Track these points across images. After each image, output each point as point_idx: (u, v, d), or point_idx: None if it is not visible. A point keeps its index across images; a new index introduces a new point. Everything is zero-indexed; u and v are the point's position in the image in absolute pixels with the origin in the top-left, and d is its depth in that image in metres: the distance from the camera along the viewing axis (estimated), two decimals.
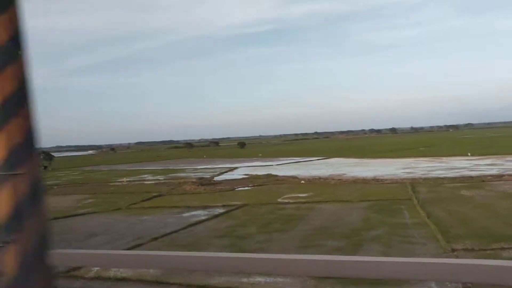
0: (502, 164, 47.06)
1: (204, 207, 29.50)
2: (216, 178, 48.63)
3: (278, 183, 40.92)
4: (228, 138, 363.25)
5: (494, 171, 41.03)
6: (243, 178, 46.53)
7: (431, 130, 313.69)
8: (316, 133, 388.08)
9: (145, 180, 51.28)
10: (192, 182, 43.97)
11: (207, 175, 52.20)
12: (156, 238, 21.07)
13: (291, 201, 30.23)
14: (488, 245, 16.78)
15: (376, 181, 38.19)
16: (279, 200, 31.01)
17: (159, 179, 51.24)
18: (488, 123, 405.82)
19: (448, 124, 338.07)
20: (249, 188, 38.97)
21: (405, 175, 41.24)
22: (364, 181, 38.43)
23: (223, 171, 58.39)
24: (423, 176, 39.52)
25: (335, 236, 19.65)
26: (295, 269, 1.60)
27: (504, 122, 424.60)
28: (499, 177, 36.00)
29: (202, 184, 42.00)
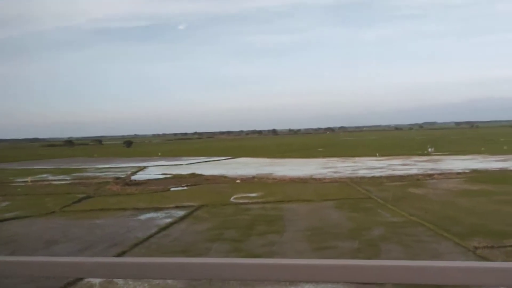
0: (414, 164, 49.89)
1: (156, 209, 26.71)
2: (133, 178, 45.05)
3: (212, 182, 38.93)
4: (91, 136, 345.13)
5: (414, 170, 43.11)
6: (167, 178, 43.64)
7: (309, 132, 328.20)
8: (196, 133, 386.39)
9: (50, 181, 45.86)
10: (115, 182, 40.08)
11: (120, 175, 48.34)
12: (137, 244, 18.25)
13: (248, 201, 28.55)
14: (501, 241, 16.78)
15: (315, 180, 37.83)
16: (233, 200, 29.22)
17: (66, 179, 46.21)
18: (358, 127, 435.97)
19: (325, 126, 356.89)
20: (185, 188, 36.45)
21: (336, 175, 41.64)
22: (303, 180, 37.93)
23: (134, 170, 54.58)
24: (354, 175, 40.19)
25: (340, 237, 18.54)
26: (323, 275, 1.46)
27: (371, 126, 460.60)
28: (430, 176, 37.74)
29: (127, 184, 38.48)
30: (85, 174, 51.91)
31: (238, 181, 39.14)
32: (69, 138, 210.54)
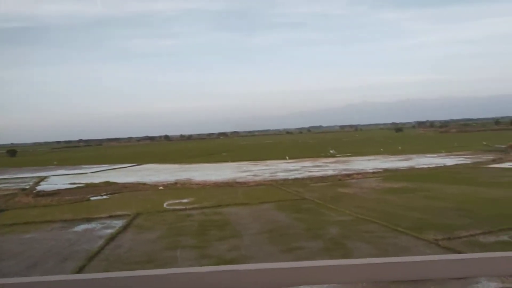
0: (326, 165, 51.85)
1: (88, 220, 24.87)
2: (40, 188, 41.68)
3: (132, 190, 37.20)
4: None
5: (330, 171, 44.77)
6: (80, 187, 40.90)
7: (202, 137, 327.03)
8: (81, 140, 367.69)
9: None
10: (24, 194, 36.77)
11: (23, 186, 44.58)
12: (92, 257, 16.80)
13: (184, 207, 27.63)
14: (453, 233, 17.87)
15: (240, 184, 37.73)
16: (167, 207, 28.13)
17: None
18: (249, 131, 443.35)
19: (216, 131, 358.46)
20: (106, 197, 34.42)
21: (257, 178, 41.92)
22: (228, 184, 37.64)
23: (35, 180, 50.54)
24: (275, 178, 40.75)
25: (301, 237, 18.59)
26: (316, 277, 1.56)
27: (261, 131, 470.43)
28: (349, 176, 39.38)
29: (40, 196, 35.49)
30: None
31: (160, 187, 37.83)
32: None
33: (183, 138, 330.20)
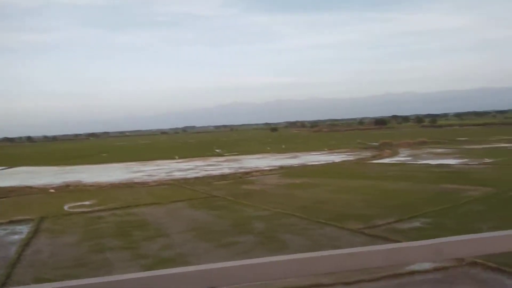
0: (219, 164, 52.30)
1: None
2: None
3: (20, 194, 34.24)
4: None
5: (225, 170, 45.21)
6: None
7: (69, 138, 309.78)
8: None
9: None
10: None
11: None
12: (14, 264, 15.32)
13: (90, 209, 26.17)
14: (371, 222, 19.26)
15: (139, 184, 36.68)
16: (71, 210, 26.46)
17: None
18: (121, 132, 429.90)
19: (84, 132, 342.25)
20: None
21: (154, 177, 41.03)
22: (127, 185, 36.33)
23: None
24: (173, 177, 40.25)
25: (231, 233, 18.71)
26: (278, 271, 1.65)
27: (133, 131, 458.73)
28: (248, 173, 40.19)
29: None
30: None
31: (51, 190, 35.35)
32: None
33: (48, 139, 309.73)
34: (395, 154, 52.06)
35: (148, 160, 63.95)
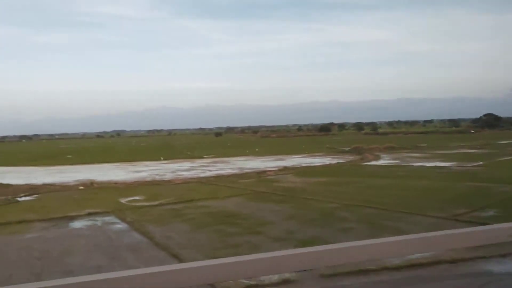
0: (214, 165, 53.64)
1: (71, 218, 23.08)
2: None
3: (52, 190, 34.18)
4: None
5: (229, 170, 46.87)
6: None
7: None
8: None
9: None
10: None
11: None
12: (166, 248, 16.57)
13: (152, 203, 27.06)
14: (449, 212, 22.02)
15: (167, 182, 37.56)
16: (130, 204, 27.23)
17: None
18: (50, 134, 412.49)
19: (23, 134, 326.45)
20: (33, 197, 31.28)
21: (166, 176, 41.97)
22: (154, 183, 37.13)
23: None
24: (188, 176, 41.42)
25: (332, 221, 20.74)
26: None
27: (60, 134, 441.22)
28: (261, 173, 42.10)
29: None
30: None
31: (81, 187, 35.54)
32: None
33: None
34: (377, 158, 55.73)
35: (132, 161, 63.88)
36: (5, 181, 41.20)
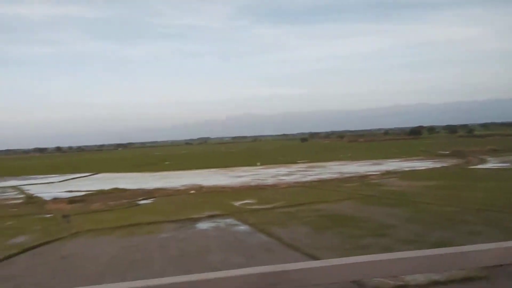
0: (312, 170, 53.96)
1: (194, 220, 24.37)
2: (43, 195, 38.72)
3: (164, 195, 36.13)
4: None
5: (328, 175, 46.95)
6: (95, 194, 38.65)
7: (99, 149, 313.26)
8: None
9: None
10: (53, 201, 34.21)
11: (14, 195, 41.13)
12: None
13: (265, 206, 27.85)
14: None
15: (271, 186, 38.39)
16: (244, 207, 28.17)
17: None
18: (142, 143, 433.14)
19: (106, 143, 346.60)
20: (150, 201, 33.33)
21: (269, 181, 42.83)
22: (259, 188, 38.07)
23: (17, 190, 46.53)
24: (288, 181, 42.03)
25: (473, 223, 20.32)
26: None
27: (150, 142, 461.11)
28: (363, 177, 41.85)
29: (71, 202, 33.28)
30: None
31: (192, 191, 37.28)
32: None
33: (73, 149, 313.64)
34: (483, 161, 53.20)
35: (228, 167, 65.75)
36: (117, 186, 44.15)
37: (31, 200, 36.54)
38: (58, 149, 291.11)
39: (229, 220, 23.97)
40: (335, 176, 44.86)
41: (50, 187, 47.89)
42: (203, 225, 23.15)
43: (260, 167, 62.44)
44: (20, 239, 21.46)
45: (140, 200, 33.76)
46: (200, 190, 37.70)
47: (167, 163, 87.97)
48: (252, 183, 41.23)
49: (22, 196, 40.36)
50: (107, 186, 43.89)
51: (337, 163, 63.10)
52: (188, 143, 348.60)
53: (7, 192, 44.63)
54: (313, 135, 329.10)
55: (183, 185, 42.20)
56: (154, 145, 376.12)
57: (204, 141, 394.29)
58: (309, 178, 43.59)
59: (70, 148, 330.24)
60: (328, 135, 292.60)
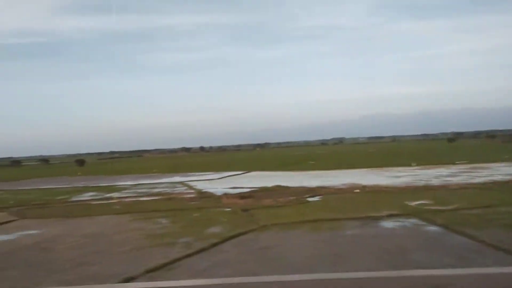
0: (475, 171, 50.45)
1: (373, 218, 23.80)
2: (212, 191, 40.99)
3: (330, 193, 36.14)
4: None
5: (499, 176, 43.35)
6: (257, 191, 40.00)
7: (239, 149, 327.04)
8: (113, 152, 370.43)
9: (135, 197, 40.41)
10: (225, 196, 36.23)
11: (182, 190, 44.21)
12: None
13: (444, 208, 26.46)
14: None
15: (440, 187, 36.51)
16: (418, 207, 27.02)
17: (142, 195, 41.08)
18: (279, 143, 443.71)
19: (243, 143, 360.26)
20: (317, 198, 33.63)
21: (432, 182, 40.80)
22: (426, 188, 36.41)
23: (185, 186, 50.20)
24: (460, 182, 39.56)
25: None
26: None
27: (284, 142, 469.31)
28: None
29: (242, 198, 34.80)
30: (149, 190, 46.30)
31: (357, 190, 36.85)
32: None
33: (220, 149, 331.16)
34: None
35: (379, 167, 64.23)
36: (274, 184, 45.22)
37: (203, 194, 38.88)
38: (202, 148, 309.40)
39: (414, 220, 23.13)
40: (509, 177, 41.34)
41: (213, 183, 50.70)
42: (387, 224, 22.64)
43: (416, 167, 59.92)
44: (214, 229, 22.83)
45: (307, 197, 34.09)
46: (364, 189, 37.07)
47: (312, 162, 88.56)
48: (417, 184, 39.54)
49: (192, 191, 43.18)
50: (265, 184, 45.23)
51: (501, 164, 58.21)
52: (324, 143, 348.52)
53: (178, 187, 48.13)
54: (457, 135, 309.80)
55: (343, 184, 41.96)
56: (289, 145, 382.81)
57: (339, 141, 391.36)
58: (479, 180, 40.65)
59: (211, 147, 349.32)
60: (475, 134, 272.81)
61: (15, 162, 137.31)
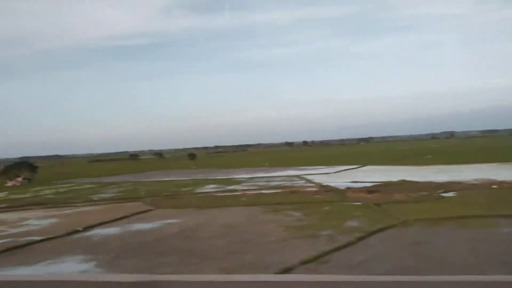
0: None
1: None
2: (333, 185, 40.28)
3: (464, 189, 33.89)
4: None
5: None
6: (379, 185, 38.66)
7: (343, 143, 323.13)
8: (218, 146, 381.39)
9: (256, 190, 41.19)
10: (352, 190, 35.53)
11: (300, 183, 43.99)
12: None
13: None
14: None
15: None
16: None
17: (262, 189, 41.59)
18: (383, 137, 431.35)
19: (348, 137, 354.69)
20: (453, 194, 31.68)
21: None
22: None
23: (300, 179, 50.11)
24: None
25: None
26: None
27: (395, 136, 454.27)
28: None
29: (370, 192, 33.76)
30: (267, 183, 46.92)
31: (494, 186, 34.24)
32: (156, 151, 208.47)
33: (323, 143, 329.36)
34: None
35: (506, 162, 59.48)
36: (396, 178, 43.40)
37: (325, 188, 38.40)
38: (305, 143, 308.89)
39: None
40: None
41: (331, 177, 50.03)
42: None
43: None
44: (352, 223, 22.29)
45: (440, 192, 32.32)
46: (502, 185, 34.39)
47: (428, 157, 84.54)
48: None
49: (312, 184, 42.86)
50: (387, 178, 43.70)
51: None
52: (434, 137, 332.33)
53: (295, 181, 48.11)
54: None
55: (475, 179, 39.30)
56: (395, 139, 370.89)
57: (450, 135, 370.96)
58: None
59: (313, 142, 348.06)
60: None
61: (133, 156, 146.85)
